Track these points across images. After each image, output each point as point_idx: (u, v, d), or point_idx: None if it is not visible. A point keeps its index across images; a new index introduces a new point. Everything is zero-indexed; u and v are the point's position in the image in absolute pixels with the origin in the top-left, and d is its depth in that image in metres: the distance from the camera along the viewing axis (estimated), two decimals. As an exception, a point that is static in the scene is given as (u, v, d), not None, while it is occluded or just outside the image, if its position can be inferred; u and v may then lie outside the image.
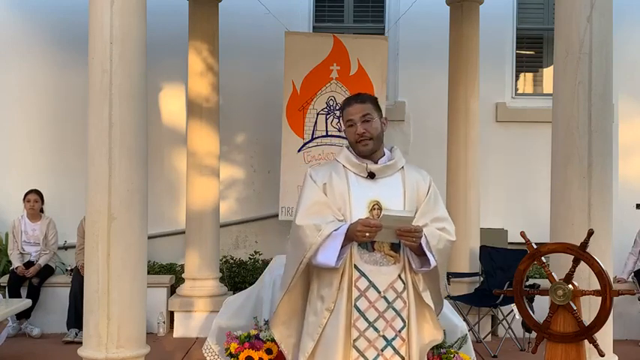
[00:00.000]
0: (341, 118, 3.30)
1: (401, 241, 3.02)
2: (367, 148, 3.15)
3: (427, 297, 3.16)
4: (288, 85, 7.34)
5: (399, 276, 3.09)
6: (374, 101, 3.22)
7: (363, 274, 3.05)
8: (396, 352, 3.05)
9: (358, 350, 3.02)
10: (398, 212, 3.03)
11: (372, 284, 3.05)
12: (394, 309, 3.06)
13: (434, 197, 3.23)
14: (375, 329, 3.03)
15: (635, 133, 8.49)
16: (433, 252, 3.07)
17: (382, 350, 3.04)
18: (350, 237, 3.00)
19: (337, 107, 7.27)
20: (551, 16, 8.28)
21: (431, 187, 3.24)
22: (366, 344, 3.02)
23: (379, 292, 3.05)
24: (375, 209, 3.09)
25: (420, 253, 3.09)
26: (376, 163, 3.17)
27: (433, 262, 3.07)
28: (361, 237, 2.97)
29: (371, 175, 3.14)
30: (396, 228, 2.96)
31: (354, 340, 3.02)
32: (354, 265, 3.06)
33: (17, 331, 7.23)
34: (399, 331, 3.07)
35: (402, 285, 3.09)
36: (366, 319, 3.03)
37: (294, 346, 3.24)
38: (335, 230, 3.00)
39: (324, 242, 2.98)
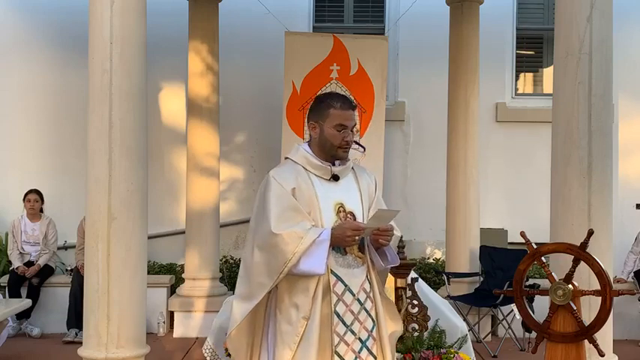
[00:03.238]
0: (319, 114, 3.13)
1: (379, 240, 3.04)
2: (346, 155, 3.16)
3: (384, 291, 3.23)
4: (288, 85, 7.33)
5: (367, 276, 3.12)
6: None
7: (339, 279, 3.03)
8: (370, 352, 3.07)
9: (339, 355, 3.00)
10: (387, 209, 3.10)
11: (347, 288, 3.04)
12: (365, 309, 3.08)
13: (380, 195, 3.29)
14: (352, 332, 3.03)
15: (635, 133, 8.49)
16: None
17: (359, 352, 3.04)
18: (335, 242, 2.98)
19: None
20: (551, 16, 8.28)
21: (377, 186, 3.29)
22: (345, 348, 3.01)
23: (353, 295, 3.05)
24: (340, 211, 3.08)
25: (380, 251, 3.14)
26: (333, 164, 3.15)
27: (396, 259, 3.15)
28: (351, 241, 2.98)
29: (335, 178, 3.12)
30: (375, 227, 3.01)
31: (336, 346, 2.99)
32: (331, 269, 3.02)
33: (17, 331, 7.23)
34: (371, 331, 3.09)
35: (369, 285, 3.12)
36: (344, 323, 3.02)
37: (245, 355, 3.16)
38: (317, 237, 2.95)
39: (307, 250, 2.93)
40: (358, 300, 3.05)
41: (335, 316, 3.00)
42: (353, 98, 3.07)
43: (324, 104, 3.14)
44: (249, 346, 3.15)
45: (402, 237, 3.39)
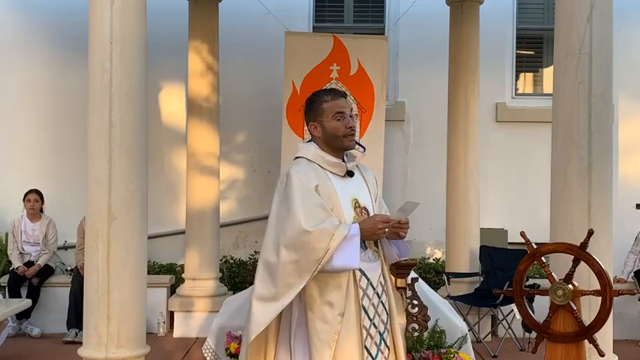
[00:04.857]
0: (314, 113, 3.19)
1: (399, 232, 3.08)
2: (353, 144, 3.17)
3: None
4: (288, 85, 7.33)
5: (382, 269, 3.17)
6: None
7: (363, 273, 3.06)
8: (386, 344, 3.11)
9: (367, 349, 3.03)
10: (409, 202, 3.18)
11: (369, 282, 3.07)
12: (382, 302, 3.12)
13: (380, 195, 3.33)
14: (375, 325, 3.07)
15: (635, 133, 8.49)
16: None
17: (379, 345, 3.08)
18: (365, 236, 2.99)
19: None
20: (551, 16, 8.28)
21: (377, 182, 3.34)
22: (370, 341, 3.05)
23: (374, 288, 3.09)
24: (357, 207, 3.11)
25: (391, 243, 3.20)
26: (343, 160, 3.18)
27: (407, 251, 3.23)
28: (382, 234, 3.01)
29: (350, 174, 3.16)
30: (397, 220, 3.04)
31: (365, 340, 3.03)
32: None
33: (17, 331, 7.24)
34: (386, 323, 3.13)
35: (384, 278, 3.17)
36: (369, 317, 3.06)
37: (260, 356, 3.15)
38: (348, 232, 2.95)
39: (339, 246, 2.91)
40: (377, 293, 3.10)
41: (362, 310, 3.03)
42: (353, 98, 3.10)
43: (315, 102, 3.20)
44: (262, 346, 3.14)
45: None
